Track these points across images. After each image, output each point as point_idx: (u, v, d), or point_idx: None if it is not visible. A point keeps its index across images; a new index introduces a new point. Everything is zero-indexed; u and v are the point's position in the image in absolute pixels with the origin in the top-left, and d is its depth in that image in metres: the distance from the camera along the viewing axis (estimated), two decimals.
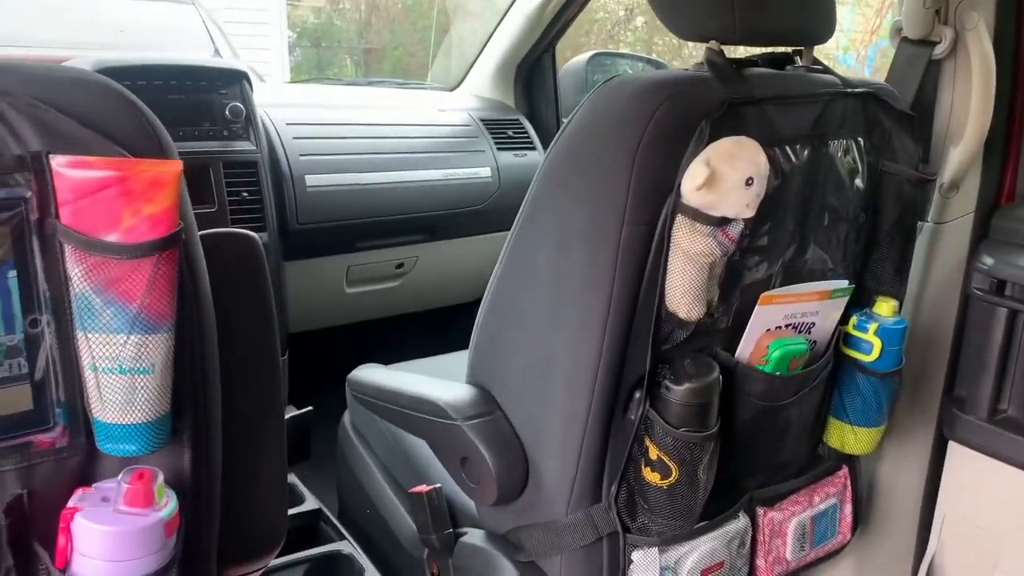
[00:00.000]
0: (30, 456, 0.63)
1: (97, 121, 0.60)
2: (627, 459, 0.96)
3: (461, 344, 1.78)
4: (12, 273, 0.59)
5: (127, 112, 0.63)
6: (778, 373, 0.98)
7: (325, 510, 1.39)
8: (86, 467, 0.65)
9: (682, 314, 0.89)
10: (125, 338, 0.60)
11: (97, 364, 0.60)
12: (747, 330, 0.98)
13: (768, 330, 0.99)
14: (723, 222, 0.86)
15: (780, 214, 0.96)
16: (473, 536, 1.14)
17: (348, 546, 1.27)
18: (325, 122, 1.71)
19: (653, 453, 0.95)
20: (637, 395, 0.94)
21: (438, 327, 2.04)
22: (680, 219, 0.86)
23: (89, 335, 0.60)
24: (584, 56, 2.06)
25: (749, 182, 0.84)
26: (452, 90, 2.16)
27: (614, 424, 0.96)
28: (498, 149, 1.87)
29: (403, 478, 1.28)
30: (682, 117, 0.88)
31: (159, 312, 0.61)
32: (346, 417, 1.48)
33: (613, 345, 0.92)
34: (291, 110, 1.69)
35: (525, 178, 1.91)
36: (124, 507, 0.63)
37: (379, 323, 1.97)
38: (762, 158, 0.86)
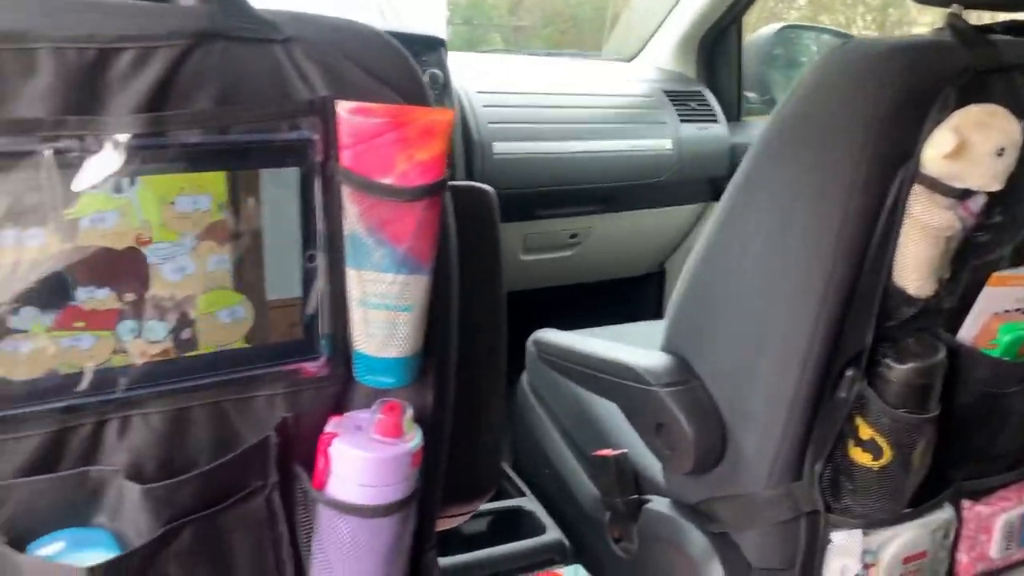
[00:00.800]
0: (297, 383, 0.67)
1: (378, 70, 0.64)
2: (835, 438, 0.94)
3: (633, 315, 1.80)
4: (297, 211, 0.63)
5: (402, 63, 0.66)
6: (1006, 359, 0.93)
7: (505, 466, 1.43)
8: (340, 397, 0.70)
9: (911, 290, 0.86)
10: (393, 277, 0.63)
11: (367, 299, 0.64)
12: (973, 312, 0.93)
13: (996, 313, 0.94)
14: (965, 194, 0.82)
15: (1019, 190, 0.91)
16: (659, 504, 1.15)
17: (530, 502, 1.30)
18: (512, 90, 1.73)
19: (865, 433, 0.92)
20: (849, 373, 0.92)
21: (610, 298, 2.05)
22: (917, 189, 0.83)
23: (361, 272, 0.64)
24: (771, 28, 1.99)
25: (1000, 152, 0.80)
26: (629, 61, 2.14)
27: (822, 401, 0.94)
28: (680, 121, 1.85)
29: (584, 441, 1.30)
30: (924, 83, 0.84)
31: (423, 254, 0.64)
32: (524, 378, 1.51)
33: (830, 320, 0.89)
34: (479, 78, 1.73)
35: (707, 151, 1.89)
36: (376, 436, 0.67)
37: (550, 291, 1.99)
38: (1015, 127, 0.81)
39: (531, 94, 1.76)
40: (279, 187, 0.62)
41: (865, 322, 0.89)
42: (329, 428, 0.68)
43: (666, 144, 1.82)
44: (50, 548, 0.59)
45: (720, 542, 1.04)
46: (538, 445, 1.41)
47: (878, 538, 0.97)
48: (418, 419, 0.70)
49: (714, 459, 1.02)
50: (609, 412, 1.23)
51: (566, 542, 1.24)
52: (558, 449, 1.36)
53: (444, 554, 1.13)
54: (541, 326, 1.47)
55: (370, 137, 0.61)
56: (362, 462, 0.66)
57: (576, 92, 1.81)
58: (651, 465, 1.17)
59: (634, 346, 1.21)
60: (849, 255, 0.86)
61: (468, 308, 0.78)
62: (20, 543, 0.58)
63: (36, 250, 0.55)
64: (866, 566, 0.97)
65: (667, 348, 1.11)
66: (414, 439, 0.68)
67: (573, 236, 1.86)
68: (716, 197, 1.93)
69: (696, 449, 1.01)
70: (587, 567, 1.21)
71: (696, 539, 1.06)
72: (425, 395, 0.71)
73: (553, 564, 1.21)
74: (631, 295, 2.08)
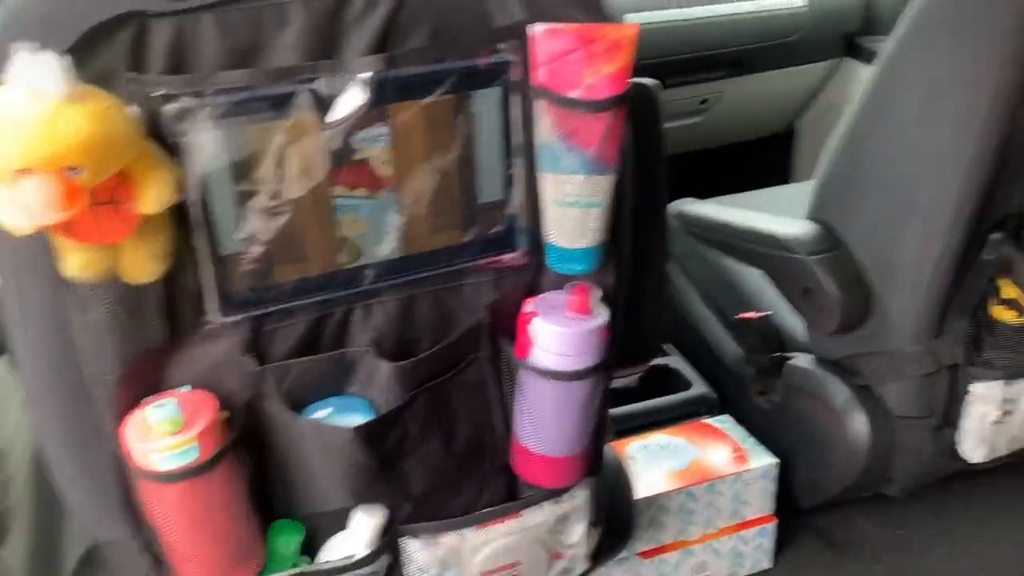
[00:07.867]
0: (500, 271, 0.79)
1: None
2: (979, 297, 1.00)
3: (762, 177, 1.82)
4: (499, 125, 0.72)
5: None
6: None
7: None
8: (534, 282, 0.81)
9: None
10: (584, 178, 0.72)
11: (561, 199, 0.74)
12: None
13: None
14: None
15: None
16: (802, 360, 1.24)
17: (675, 362, 1.42)
18: None
19: (1008, 292, 0.98)
20: (996, 236, 0.97)
21: (738, 160, 2.08)
22: None
23: (555, 175, 0.73)
24: None
25: None
26: None
27: (968, 263, 0.99)
28: None
29: (727, 305, 1.39)
30: None
31: (609, 156, 0.73)
32: None
33: (979, 186, 0.93)
34: None
35: (842, 5, 1.84)
36: (570, 313, 0.78)
37: (678, 158, 2.03)
38: None
39: None
40: (485, 105, 0.71)
41: (1014, 187, 0.93)
42: (528, 308, 0.79)
43: (797, 1, 1.79)
44: (321, 412, 0.75)
45: (862, 393, 1.13)
46: (680, 309, 1.51)
47: (1018, 388, 1.04)
48: (603, 298, 0.81)
49: (859, 319, 1.10)
50: (752, 277, 1.31)
51: (713, 395, 1.36)
52: (700, 313, 1.45)
53: None
54: (672, 194, 1.54)
55: (561, 55, 0.69)
56: (560, 336, 0.77)
57: None
58: (794, 325, 1.26)
59: (772, 213, 1.27)
60: (998, 126, 0.90)
61: (637, 195, 0.87)
62: (297, 409, 0.73)
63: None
64: (1006, 412, 1.05)
65: (814, 216, 1.17)
66: (602, 316, 0.79)
67: (703, 102, 1.88)
68: (849, 52, 1.90)
69: (842, 311, 1.09)
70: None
71: (839, 390, 1.15)
72: (607, 277, 0.81)
73: (700, 415, 1.33)
74: (760, 156, 2.10)
